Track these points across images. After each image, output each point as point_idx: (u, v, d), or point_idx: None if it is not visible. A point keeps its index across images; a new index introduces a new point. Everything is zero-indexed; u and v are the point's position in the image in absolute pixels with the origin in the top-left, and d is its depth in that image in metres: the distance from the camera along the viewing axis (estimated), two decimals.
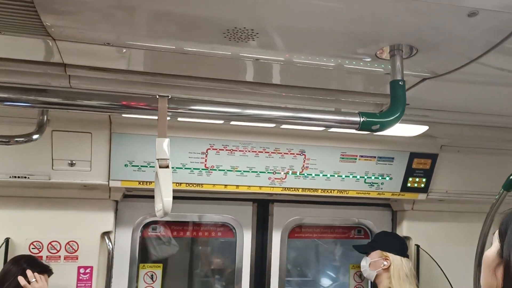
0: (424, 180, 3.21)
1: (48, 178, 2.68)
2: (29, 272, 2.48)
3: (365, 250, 3.21)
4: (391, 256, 3.05)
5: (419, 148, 3.11)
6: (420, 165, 3.17)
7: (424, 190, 3.25)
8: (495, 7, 1.34)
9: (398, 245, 3.15)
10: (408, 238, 3.43)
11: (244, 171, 2.94)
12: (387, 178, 3.16)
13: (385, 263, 3.04)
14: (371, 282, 3.40)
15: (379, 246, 3.13)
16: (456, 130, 2.84)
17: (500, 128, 2.74)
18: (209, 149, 2.85)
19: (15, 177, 2.63)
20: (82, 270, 2.96)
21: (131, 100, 1.68)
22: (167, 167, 1.56)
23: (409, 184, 3.21)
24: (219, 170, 2.91)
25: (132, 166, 2.79)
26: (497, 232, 1.32)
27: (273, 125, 2.67)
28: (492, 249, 1.30)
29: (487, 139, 3.07)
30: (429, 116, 2.54)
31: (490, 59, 1.70)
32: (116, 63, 1.97)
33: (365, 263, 3.15)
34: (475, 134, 2.92)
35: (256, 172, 2.96)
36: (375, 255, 3.11)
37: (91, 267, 2.97)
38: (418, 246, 3.40)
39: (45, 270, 2.62)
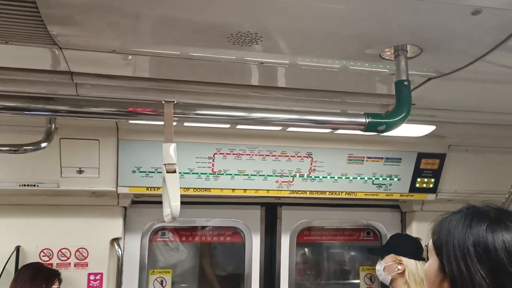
0: (432, 180, 3.19)
1: (57, 186, 2.70)
2: None
3: (379, 254, 3.17)
4: (405, 260, 3.00)
5: (426, 148, 3.09)
6: (428, 165, 3.15)
7: (433, 190, 3.23)
8: (498, 4, 1.34)
9: (413, 249, 3.11)
10: (418, 239, 3.40)
11: (251, 175, 2.94)
12: (395, 179, 3.15)
13: (399, 267, 3.00)
14: (385, 285, 3.35)
15: (392, 250, 3.08)
16: (464, 129, 2.82)
17: (508, 126, 2.72)
18: (216, 153, 2.86)
19: (24, 185, 2.65)
20: (92, 277, 2.97)
21: (138, 107, 1.69)
22: (174, 172, 1.56)
23: (417, 185, 3.19)
24: (227, 174, 2.91)
25: (140, 172, 2.80)
26: (431, 244, 1.30)
27: (279, 128, 2.67)
28: (432, 264, 1.27)
29: (495, 138, 3.05)
30: (436, 116, 2.53)
31: (495, 57, 1.69)
32: (122, 70, 1.98)
33: (379, 266, 3.10)
34: (483, 132, 2.90)
35: (264, 175, 2.96)
36: (389, 259, 3.06)
37: (101, 274, 2.99)
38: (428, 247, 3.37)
39: (54, 276, 2.64)
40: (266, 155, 2.92)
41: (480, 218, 1.22)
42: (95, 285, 2.97)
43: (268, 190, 3.01)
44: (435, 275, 1.24)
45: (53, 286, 2.62)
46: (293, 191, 3.05)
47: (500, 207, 1.28)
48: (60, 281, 2.70)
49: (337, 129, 1.91)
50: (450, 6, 1.35)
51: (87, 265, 2.97)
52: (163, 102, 1.64)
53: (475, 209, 1.28)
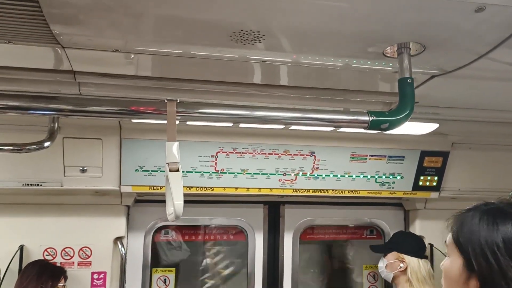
0: (436, 178, 3.18)
1: (60, 185, 2.70)
2: None
3: (382, 251, 3.17)
4: (407, 258, 3.00)
5: (430, 146, 3.08)
6: (432, 163, 3.14)
7: (436, 188, 3.22)
8: (502, 1, 1.33)
9: (415, 246, 3.10)
10: (421, 237, 3.40)
11: (254, 174, 2.94)
12: (398, 177, 3.14)
13: (402, 265, 3.00)
14: (388, 283, 3.36)
15: (395, 247, 3.08)
16: (467, 127, 2.81)
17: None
18: (219, 152, 2.86)
19: (28, 184, 2.66)
20: (96, 276, 2.98)
21: (140, 105, 1.69)
22: (177, 170, 1.56)
23: (420, 183, 3.18)
24: (229, 173, 2.91)
25: (143, 171, 2.80)
26: (450, 242, 1.30)
27: (282, 126, 2.67)
28: (455, 262, 1.27)
29: (499, 136, 3.04)
30: (440, 114, 2.52)
31: (499, 54, 1.68)
32: (124, 69, 1.98)
33: (382, 264, 3.11)
34: (486, 130, 2.89)
35: (266, 174, 2.96)
36: (391, 256, 3.06)
37: (105, 273, 2.99)
38: (431, 245, 3.37)
39: (60, 273, 2.65)
40: (268, 154, 2.92)
41: (504, 215, 1.24)
42: (98, 283, 2.98)
43: (271, 188, 3.01)
44: (460, 273, 1.25)
45: (59, 284, 2.63)
46: (296, 189, 3.05)
47: None
48: (65, 278, 2.71)
49: (340, 127, 1.91)
50: (453, 3, 1.34)
51: (90, 264, 2.97)
52: (165, 101, 1.64)
53: (494, 205, 1.29)
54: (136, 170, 2.79)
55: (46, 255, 2.91)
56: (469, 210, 1.31)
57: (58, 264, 2.88)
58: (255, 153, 2.90)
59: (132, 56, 1.80)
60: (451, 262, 1.30)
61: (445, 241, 1.33)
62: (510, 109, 2.47)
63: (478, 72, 1.89)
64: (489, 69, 1.86)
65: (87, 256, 2.97)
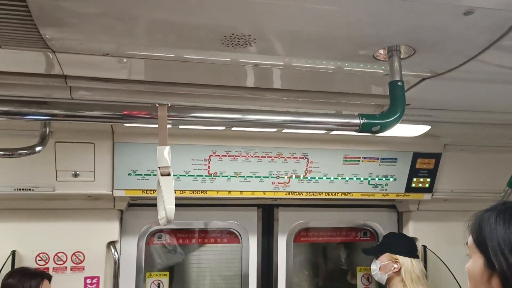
0: (428, 180, 3.20)
1: (53, 190, 2.69)
2: None
3: (374, 253, 3.17)
4: (400, 258, 3.00)
5: (422, 148, 3.10)
6: (424, 165, 3.16)
7: (429, 190, 3.23)
8: (490, 5, 1.35)
9: (407, 246, 3.11)
10: (414, 239, 3.40)
11: (247, 177, 2.94)
12: (391, 179, 3.15)
13: (395, 266, 3.00)
14: (381, 284, 3.36)
15: (387, 249, 3.08)
16: (459, 128, 2.83)
17: (503, 125, 2.73)
18: (212, 155, 2.85)
19: (20, 189, 2.64)
20: (88, 281, 2.96)
21: (132, 110, 1.69)
22: (169, 175, 1.56)
23: (413, 185, 3.20)
24: (223, 176, 2.91)
25: (136, 175, 2.80)
26: (471, 242, 1.32)
27: (274, 129, 2.67)
28: (476, 262, 1.29)
29: (490, 137, 3.06)
30: (431, 116, 2.53)
31: (489, 57, 1.69)
32: (116, 73, 1.98)
33: (375, 266, 3.09)
34: (478, 132, 2.91)
35: (260, 177, 2.96)
36: (385, 258, 3.05)
37: (98, 277, 2.97)
38: (425, 247, 3.38)
39: (42, 277, 2.58)
40: (262, 157, 2.92)
41: None
42: None
43: (264, 191, 3.01)
44: (482, 272, 1.26)
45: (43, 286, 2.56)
46: (289, 192, 3.05)
47: None
48: (49, 279, 2.64)
49: (332, 130, 1.92)
50: (442, 7, 1.36)
51: (83, 269, 2.95)
52: (156, 105, 1.64)
53: (510, 204, 1.31)
54: (129, 174, 2.78)
55: (39, 260, 2.88)
56: (487, 210, 1.33)
57: (50, 269, 2.86)
58: (248, 156, 2.90)
59: (124, 60, 1.80)
60: (473, 263, 1.31)
61: (466, 243, 1.35)
62: (501, 111, 2.50)
63: (468, 75, 1.91)
64: (479, 71, 1.87)
65: (80, 261, 2.95)
